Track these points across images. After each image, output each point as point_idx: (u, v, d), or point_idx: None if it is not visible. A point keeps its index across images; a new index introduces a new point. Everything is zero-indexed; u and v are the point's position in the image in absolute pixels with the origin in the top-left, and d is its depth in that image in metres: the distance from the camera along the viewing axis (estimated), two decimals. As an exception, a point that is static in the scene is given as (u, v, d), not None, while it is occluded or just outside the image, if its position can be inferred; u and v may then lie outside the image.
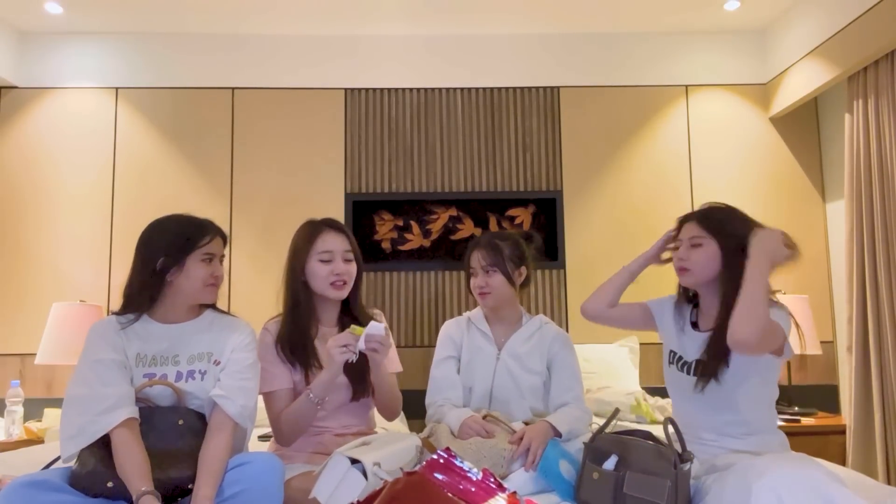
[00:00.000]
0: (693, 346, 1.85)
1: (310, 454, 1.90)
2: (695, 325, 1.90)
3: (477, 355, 2.21)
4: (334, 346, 1.77)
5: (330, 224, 2.03)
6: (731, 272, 1.74)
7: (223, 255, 1.83)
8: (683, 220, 1.90)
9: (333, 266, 1.96)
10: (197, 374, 1.72)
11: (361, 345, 1.77)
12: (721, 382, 1.75)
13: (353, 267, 2.01)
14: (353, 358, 1.78)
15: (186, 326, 1.77)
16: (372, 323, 1.78)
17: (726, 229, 1.79)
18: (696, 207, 1.97)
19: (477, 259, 2.19)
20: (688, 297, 1.97)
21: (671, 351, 1.93)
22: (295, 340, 1.93)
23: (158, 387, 1.69)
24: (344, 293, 2.00)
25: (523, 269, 2.22)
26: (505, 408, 2.12)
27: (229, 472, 1.56)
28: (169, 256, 1.70)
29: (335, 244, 1.98)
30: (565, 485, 1.64)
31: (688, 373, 1.84)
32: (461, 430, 1.92)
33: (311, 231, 2.01)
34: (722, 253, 1.78)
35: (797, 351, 3.05)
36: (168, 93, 3.52)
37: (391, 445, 1.71)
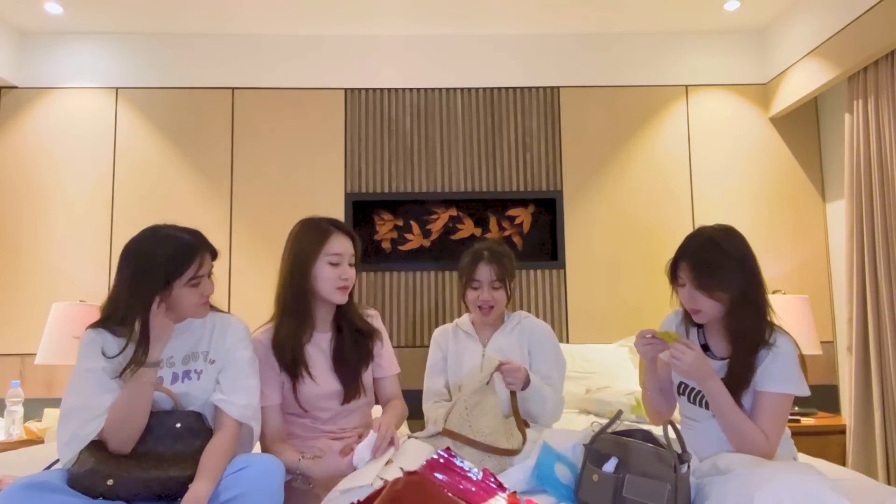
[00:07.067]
0: None
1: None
2: (705, 348, 1.84)
3: (463, 356, 2.27)
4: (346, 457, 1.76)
5: (339, 227, 1.99)
6: (734, 314, 1.73)
7: (212, 269, 1.77)
8: (676, 261, 1.81)
9: (341, 270, 1.94)
10: (193, 374, 1.72)
11: (366, 455, 1.74)
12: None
13: (355, 272, 2.00)
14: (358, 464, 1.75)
15: (178, 327, 1.75)
16: (371, 434, 1.77)
17: (721, 282, 1.72)
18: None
19: (487, 273, 2.19)
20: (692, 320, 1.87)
21: (681, 382, 1.87)
22: (289, 346, 1.90)
23: (155, 392, 1.67)
24: (346, 298, 1.98)
25: (513, 283, 2.31)
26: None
27: (229, 475, 1.56)
28: (155, 284, 1.64)
29: (345, 248, 1.96)
30: (563, 489, 1.63)
31: (701, 405, 1.79)
32: None
33: (321, 232, 1.95)
34: (722, 302, 1.74)
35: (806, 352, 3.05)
36: (168, 93, 3.52)
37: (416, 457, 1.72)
